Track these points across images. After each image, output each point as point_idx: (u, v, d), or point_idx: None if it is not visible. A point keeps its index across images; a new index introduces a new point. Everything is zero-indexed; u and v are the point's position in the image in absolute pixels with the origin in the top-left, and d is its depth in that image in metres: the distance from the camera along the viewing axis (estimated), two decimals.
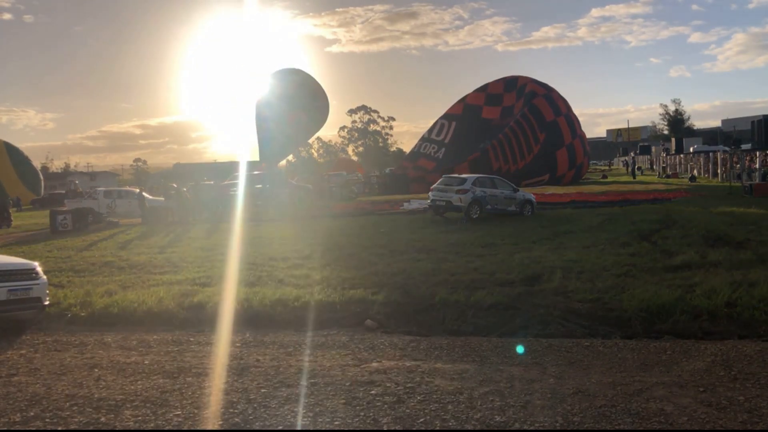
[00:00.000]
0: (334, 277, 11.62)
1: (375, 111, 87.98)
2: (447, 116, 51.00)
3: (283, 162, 49.59)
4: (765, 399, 5.63)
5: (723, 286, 9.28)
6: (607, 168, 66.68)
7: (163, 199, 29.69)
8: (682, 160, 54.30)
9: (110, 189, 33.30)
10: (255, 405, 5.90)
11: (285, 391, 6.28)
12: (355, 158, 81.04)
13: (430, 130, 50.94)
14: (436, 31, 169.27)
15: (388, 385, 6.32)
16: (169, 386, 6.51)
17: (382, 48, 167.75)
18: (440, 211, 22.50)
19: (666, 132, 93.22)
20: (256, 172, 36.19)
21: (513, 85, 49.30)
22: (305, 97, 47.97)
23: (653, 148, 74.86)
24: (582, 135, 49.24)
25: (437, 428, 5.28)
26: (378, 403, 5.83)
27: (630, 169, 56.93)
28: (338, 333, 8.61)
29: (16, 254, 11.87)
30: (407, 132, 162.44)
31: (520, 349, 7.49)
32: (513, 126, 44.89)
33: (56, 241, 20.24)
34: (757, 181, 31.11)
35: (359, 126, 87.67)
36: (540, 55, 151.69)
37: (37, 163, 68.95)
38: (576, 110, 50.27)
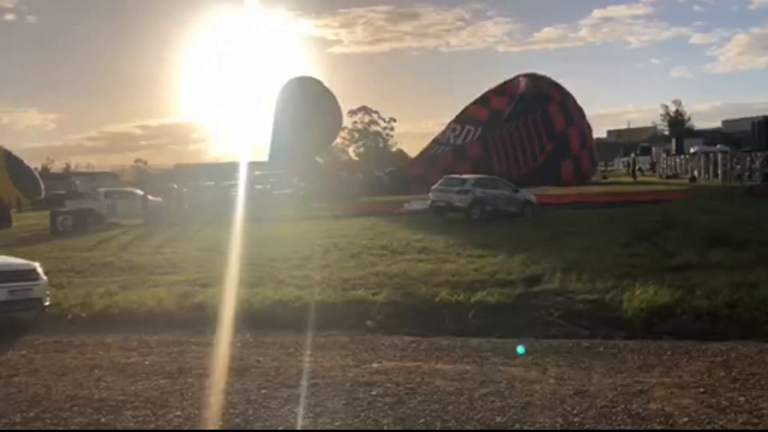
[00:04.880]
0: (335, 277, 11.61)
1: (375, 111, 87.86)
2: (464, 118, 49.47)
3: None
4: (766, 400, 5.63)
5: (723, 286, 9.27)
6: (603, 169, 66.59)
7: (161, 199, 29.70)
8: (683, 161, 54.25)
9: (111, 189, 33.26)
10: (255, 406, 5.90)
11: (285, 391, 6.28)
12: (356, 159, 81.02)
13: (454, 134, 48.67)
14: (438, 31, 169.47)
15: (388, 385, 6.32)
16: (169, 387, 6.51)
17: (383, 49, 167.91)
18: (441, 212, 22.49)
19: (666, 133, 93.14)
20: (257, 173, 36.23)
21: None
22: (326, 121, 49.02)
23: (654, 149, 74.78)
24: (592, 146, 48.55)
25: (438, 429, 5.28)
26: (378, 404, 5.83)
27: (630, 170, 56.87)
28: (339, 334, 8.60)
29: (17, 255, 11.85)
30: (408, 133, 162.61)
31: (520, 349, 7.49)
32: (520, 127, 44.07)
33: (57, 241, 20.25)
34: (757, 181, 31.09)
35: (360, 127, 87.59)
36: (542, 56, 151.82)
37: (38, 164, 68.72)
38: None
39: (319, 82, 53.71)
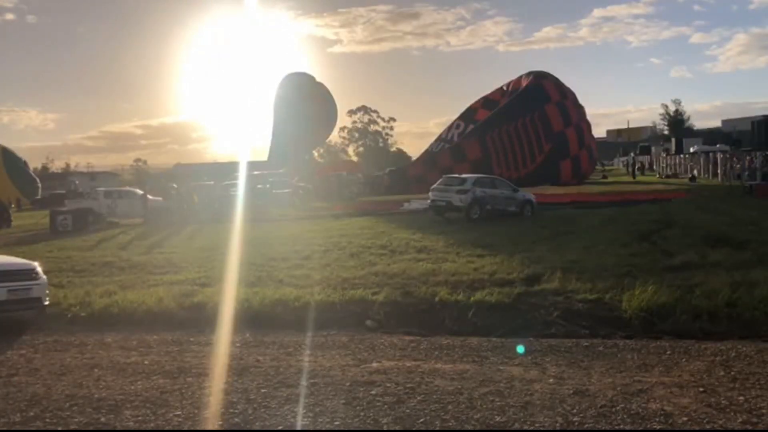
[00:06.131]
0: (334, 277, 11.62)
1: (375, 111, 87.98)
2: (470, 118, 48.89)
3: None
4: (765, 399, 5.63)
5: (723, 286, 9.27)
6: (602, 168, 66.62)
7: (161, 199, 29.71)
8: (682, 161, 54.29)
9: (111, 189, 33.30)
10: (255, 405, 5.90)
11: (285, 391, 6.28)
12: (355, 159, 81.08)
13: (458, 131, 47.63)
14: (438, 31, 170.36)
15: (388, 385, 6.33)
16: (169, 386, 6.51)
17: (383, 48, 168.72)
18: (440, 212, 22.50)
19: (666, 132, 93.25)
20: (256, 173, 36.25)
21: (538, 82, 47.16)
22: (321, 112, 49.50)
23: (653, 149, 74.86)
24: (591, 145, 48.27)
25: (437, 428, 5.28)
26: (378, 404, 5.83)
27: (630, 170, 56.93)
28: (338, 333, 8.61)
29: (17, 254, 11.86)
30: (408, 132, 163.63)
31: (520, 349, 7.49)
32: (518, 128, 43.83)
33: (56, 241, 20.25)
34: (757, 181, 31.07)
35: (359, 126, 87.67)
36: (542, 55, 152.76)
37: (37, 164, 68.75)
38: None
39: (310, 76, 54.67)
